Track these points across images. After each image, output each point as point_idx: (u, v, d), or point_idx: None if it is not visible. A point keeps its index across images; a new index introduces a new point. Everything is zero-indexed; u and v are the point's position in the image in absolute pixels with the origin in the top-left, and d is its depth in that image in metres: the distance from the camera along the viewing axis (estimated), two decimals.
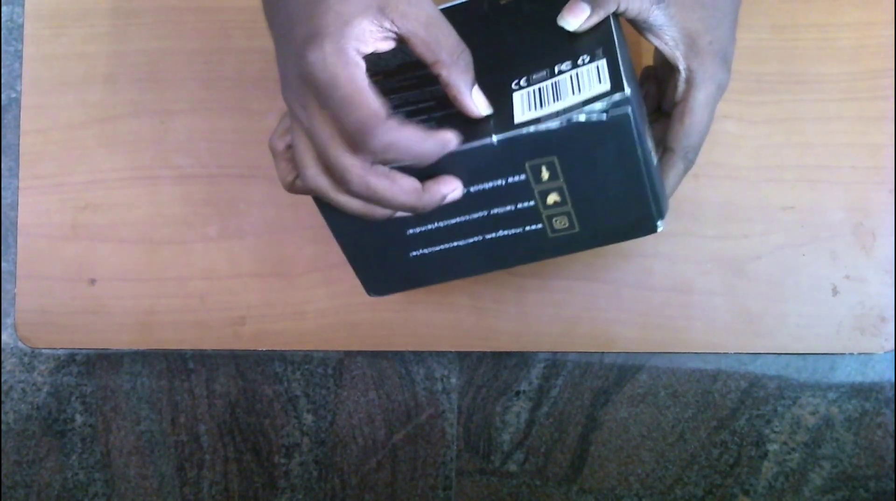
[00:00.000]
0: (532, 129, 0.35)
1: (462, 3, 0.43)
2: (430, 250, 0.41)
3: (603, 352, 0.55)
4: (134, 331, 0.51)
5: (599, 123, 0.35)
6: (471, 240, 0.40)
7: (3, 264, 0.56)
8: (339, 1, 0.33)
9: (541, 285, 0.49)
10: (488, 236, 0.40)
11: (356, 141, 0.33)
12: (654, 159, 0.39)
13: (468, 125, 0.36)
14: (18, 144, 0.51)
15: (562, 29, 0.38)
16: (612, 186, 0.37)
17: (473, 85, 0.36)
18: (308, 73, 0.32)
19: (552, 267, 0.49)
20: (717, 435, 0.55)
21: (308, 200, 0.47)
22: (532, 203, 0.38)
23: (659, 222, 0.39)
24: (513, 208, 0.38)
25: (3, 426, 0.57)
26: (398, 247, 0.41)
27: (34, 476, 0.57)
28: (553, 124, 0.35)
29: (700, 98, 0.39)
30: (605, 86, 0.35)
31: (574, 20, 0.38)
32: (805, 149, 0.49)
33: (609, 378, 0.55)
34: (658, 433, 0.55)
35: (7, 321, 0.57)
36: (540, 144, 0.36)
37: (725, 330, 0.49)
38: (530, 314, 0.49)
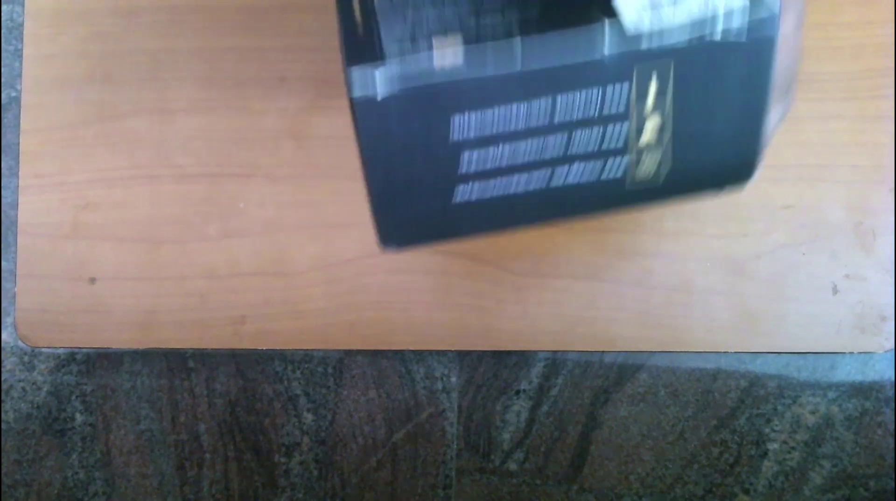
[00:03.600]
0: (654, 44, 0.28)
1: None
2: (482, 189, 0.32)
3: (603, 351, 0.55)
4: (134, 330, 0.51)
5: (738, 44, 0.28)
6: (534, 179, 0.32)
7: (3, 262, 0.56)
8: None
9: (541, 284, 0.49)
10: (557, 175, 0.32)
11: None
12: None
13: (559, 17, 0.28)
14: (18, 143, 0.51)
15: None
16: (726, 116, 0.31)
17: None
18: None
19: (552, 266, 0.49)
20: (717, 434, 0.55)
21: (308, 199, 0.48)
22: (625, 130, 0.30)
23: (756, 170, 0.32)
24: (600, 134, 0.30)
25: (3, 425, 0.57)
26: (445, 182, 0.32)
27: (34, 474, 0.57)
28: (680, 40, 0.28)
29: (789, 25, 0.33)
30: None
31: None
32: (805, 148, 0.49)
33: (609, 377, 0.55)
34: (658, 432, 0.55)
35: (7, 320, 0.57)
36: (657, 55, 0.28)
37: (725, 329, 0.49)
38: (530, 313, 0.49)
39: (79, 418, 0.57)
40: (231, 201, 0.51)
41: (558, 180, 0.32)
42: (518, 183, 0.32)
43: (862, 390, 0.55)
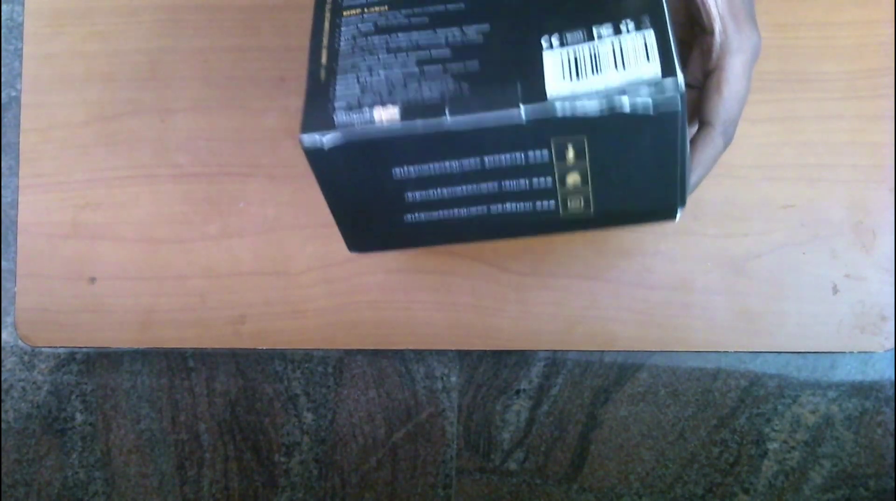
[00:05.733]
0: (568, 111, 0.32)
1: None
2: (429, 216, 0.37)
3: (603, 351, 0.55)
4: (134, 329, 0.51)
5: (645, 116, 0.31)
6: (474, 211, 0.37)
7: (3, 262, 0.56)
8: None
9: (541, 284, 0.49)
10: (494, 210, 0.37)
11: None
12: (688, 138, 0.36)
13: (489, 86, 0.33)
14: (18, 143, 0.51)
15: None
16: (641, 173, 0.34)
17: None
18: None
19: (552, 266, 0.49)
20: (717, 434, 0.55)
21: (308, 199, 0.48)
22: (549, 181, 0.35)
23: (679, 211, 0.36)
24: (527, 184, 0.35)
25: (4, 425, 0.57)
26: (393, 210, 0.37)
27: (34, 474, 0.57)
28: (592, 109, 0.31)
29: (737, 65, 0.36)
30: (655, 68, 0.31)
31: None
32: (805, 147, 0.49)
33: (609, 377, 0.55)
34: (658, 431, 0.55)
35: (7, 320, 0.57)
36: (572, 125, 0.32)
37: (725, 329, 0.49)
38: (530, 313, 0.49)
39: (79, 417, 0.57)
40: (231, 200, 0.51)
41: (496, 211, 0.37)
42: (460, 211, 0.37)
43: (862, 390, 0.55)
